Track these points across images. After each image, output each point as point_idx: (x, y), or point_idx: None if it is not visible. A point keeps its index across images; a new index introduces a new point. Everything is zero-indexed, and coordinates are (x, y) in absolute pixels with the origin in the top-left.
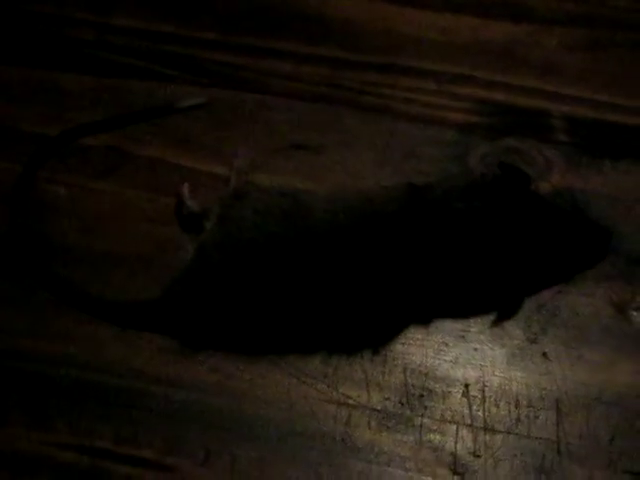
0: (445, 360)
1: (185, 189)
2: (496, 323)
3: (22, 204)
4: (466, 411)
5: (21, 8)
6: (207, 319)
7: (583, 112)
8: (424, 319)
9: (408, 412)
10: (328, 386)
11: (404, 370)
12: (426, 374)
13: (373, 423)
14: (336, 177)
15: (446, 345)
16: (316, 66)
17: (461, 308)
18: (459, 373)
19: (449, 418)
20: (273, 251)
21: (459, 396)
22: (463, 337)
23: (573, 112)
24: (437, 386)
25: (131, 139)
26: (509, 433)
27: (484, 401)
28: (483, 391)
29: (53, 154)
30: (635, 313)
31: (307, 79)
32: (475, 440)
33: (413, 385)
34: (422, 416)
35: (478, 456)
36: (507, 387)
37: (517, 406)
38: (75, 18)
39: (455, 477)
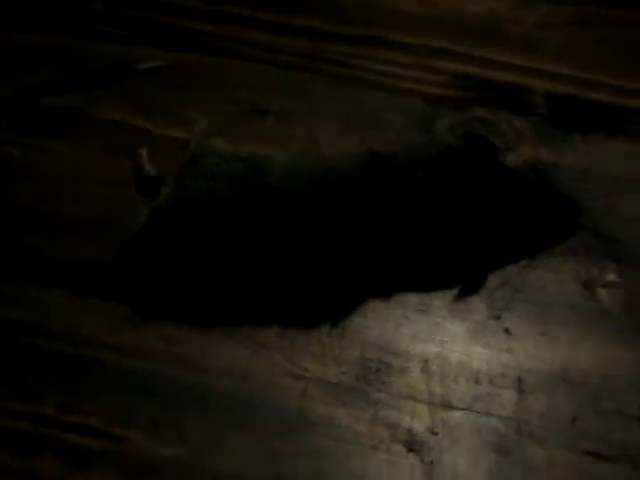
0: (405, 334)
1: (143, 152)
2: (459, 298)
3: None
4: (424, 387)
5: None
6: (159, 286)
7: (559, 88)
8: (384, 292)
9: (365, 387)
10: (284, 358)
11: (362, 344)
12: (384, 348)
13: (329, 397)
14: (299, 144)
15: (406, 319)
16: (291, 37)
17: (423, 281)
18: (418, 348)
19: (406, 394)
20: (228, 217)
21: (417, 371)
22: (424, 311)
23: (548, 88)
24: (395, 361)
25: (90, 101)
26: (468, 410)
27: (443, 377)
28: (442, 367)
29: (8, 114)
30: (602, 291)
31: (281, 49)
32: (432, 417)
33: (371, 359)
34: (379, 391)
35: (435, 433)
36: (467, 363)
37: (477, 383)
38: None
39: (410, 454)
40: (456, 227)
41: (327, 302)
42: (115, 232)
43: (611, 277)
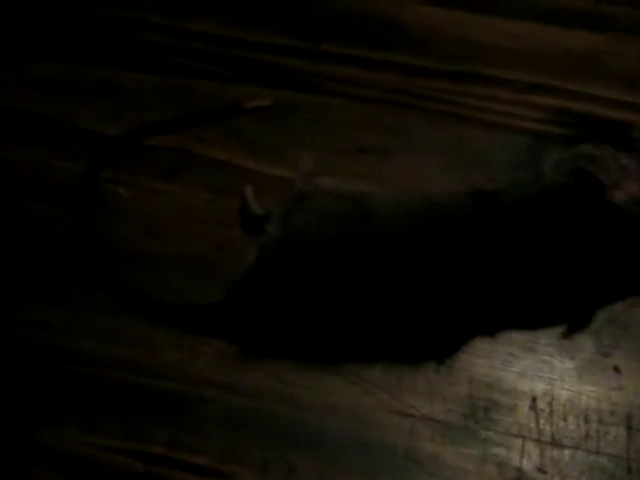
0: (512, 372)
1: (249, 191)
2: (566, 335)
3: (84, 204)
4: (533, 425)
5: (92, 11)
6: (267, 324)
7: None
8: (491, 329)
9: (473, 425)
10: (391, 396)
11: (469, 381)
12: (492, 386)
13: (436, 435)
14: (402, 181)
15: (513, 357)
16: (389, 72)
17: (530, 319)
18: (526, 386)
19: (515, 432)
20: (335, 255)
21: (526, 409)
22: (531, 349)
23: None
24: (503, 398)
25: (196, 140)
26: (577, 449)
27: (552, 415)
28: (551, 405)
29: (116, 154)
30: None
31: (379, 85)
32: (542, 455)
33: (478, 397)
34: (487, 429)
35: (544, 472)
36: (576, 401)
37: (586, 421)
38: (149, 21)
39: None
40: (563, 264)
41: (434, 340)
42: (222, 271)
43: None
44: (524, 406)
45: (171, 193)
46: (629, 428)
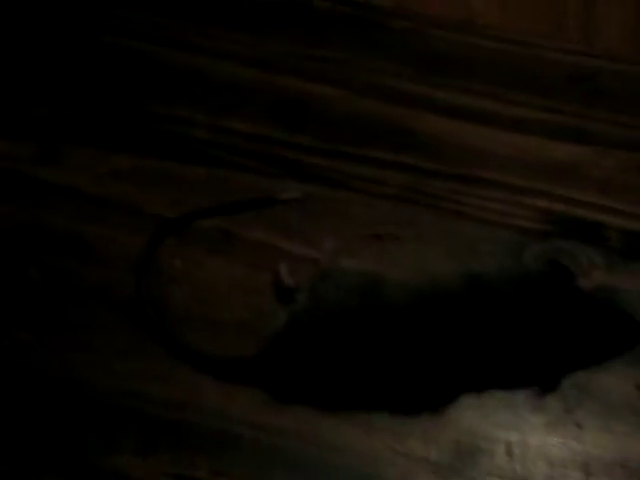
0: (492, 423)
1: (283, 267)
2: (538, 396)
3: (146, 274)
4: (509, 467)
5: (148, 110)
6: (295, 376)
7: (633, 225)
8: (476, 388)
9: (460, 465)
10: (393, 439)
11: (457, 429)
12: (475, 434)
13: (431, 475)
14: (409, 264)
15: (494, 410)
16: (399, 172)
17: (508, 381)
18: (503, 435)
19: (495, 472)
20: (352, 321)
21: (503, 454)
22: (509, 405)
23: (624, 225)
24: (484, 444)
25: (238, 224)
26: None
27: (524, 460)
28: (523, 451)
29: (173, 233)
30: None
31: (392, 183)
32: None
33: (464, 442)
34: (472, 469)
35: None
36: (544, 449)
37: (551, 466)
38: (194, 120)
39: None
40: (538, 337)
41: (429, 394)
42: (257, 332)
43: None
44: (501, 451)
45: (217, 266)
46: (587, 473)
